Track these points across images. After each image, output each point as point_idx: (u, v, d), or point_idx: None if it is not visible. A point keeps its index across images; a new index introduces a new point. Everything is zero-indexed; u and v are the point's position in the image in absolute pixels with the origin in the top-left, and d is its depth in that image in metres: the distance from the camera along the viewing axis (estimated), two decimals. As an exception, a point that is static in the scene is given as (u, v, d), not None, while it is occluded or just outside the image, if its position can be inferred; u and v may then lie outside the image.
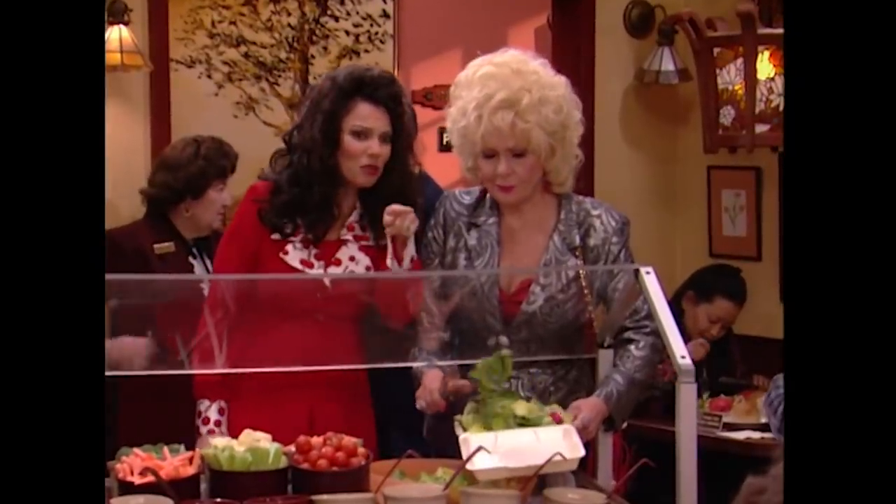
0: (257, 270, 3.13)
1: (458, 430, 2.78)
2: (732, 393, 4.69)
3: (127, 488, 2.54)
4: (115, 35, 4.52)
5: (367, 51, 5.51)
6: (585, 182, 5.10)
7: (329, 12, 5.45)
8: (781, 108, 4.93)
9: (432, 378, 2.97)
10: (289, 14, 5.34)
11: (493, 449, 2.63)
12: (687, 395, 2.60)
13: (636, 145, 5.62)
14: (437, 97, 6.02)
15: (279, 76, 5.33)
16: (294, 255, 3.11)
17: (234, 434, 2.83)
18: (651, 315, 2.85)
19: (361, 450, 2.71)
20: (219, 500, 2.57)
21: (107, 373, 1.87)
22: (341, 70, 3.20)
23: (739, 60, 5.08)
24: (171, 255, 3.94)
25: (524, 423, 2.78)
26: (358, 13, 5.53)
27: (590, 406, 2.93)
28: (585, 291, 3.05)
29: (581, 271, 3.05)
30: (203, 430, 3.10)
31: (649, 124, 5.63)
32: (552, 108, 2.99)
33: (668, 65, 5.40)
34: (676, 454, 2.59)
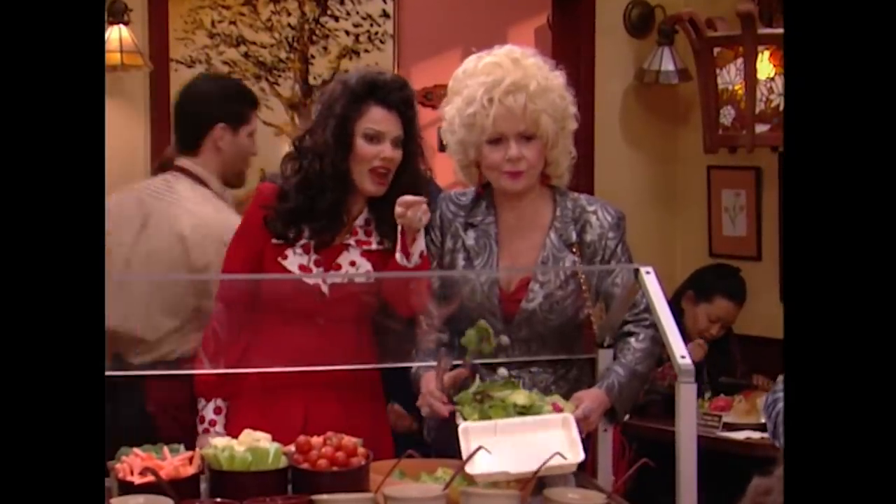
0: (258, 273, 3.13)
1: (459, 420, 2.79)
2: (732, 393, 4.68)
3: (127, 488, 2.54)
4: (115, 35, 4.52)
5: (367, 51, 5.52)
6: (586, 182, 5.10)
7: (329, 12, 5.46)
8: (781, 108, 4.93)
9: (429, 381, 2.96)
10: (289, 14, 5.35)
11: (493, 438, 2.63)
12: (687, 395, 2.60)
13: (636, 145, 5.61)
14: (437, 97, 6.00)
15: (279, 76, 5.34)
16: (293, 259, 3.11)
17: (234, 434, 2.83)
18: (650, 308, 2.85)
19: (361, 450, 2.71)
20: (219, 500, 2.57)
21: (107, 373, 1.87)
22: (353, 74, 3.19)
23: (739, 60, 5.07)
24: None
25: (524, 412, 2.79)
26: (358, 13, 5.54)
27: (591, 397, 2.93)
28: (584, 288, 3.05)
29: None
30: (199, 428, 3.12)
31: (649, 124, 5.62)
32: (557, 94, 3.03)
33: (668, 65, 5.39)
34: (676, 454, 2.59)
